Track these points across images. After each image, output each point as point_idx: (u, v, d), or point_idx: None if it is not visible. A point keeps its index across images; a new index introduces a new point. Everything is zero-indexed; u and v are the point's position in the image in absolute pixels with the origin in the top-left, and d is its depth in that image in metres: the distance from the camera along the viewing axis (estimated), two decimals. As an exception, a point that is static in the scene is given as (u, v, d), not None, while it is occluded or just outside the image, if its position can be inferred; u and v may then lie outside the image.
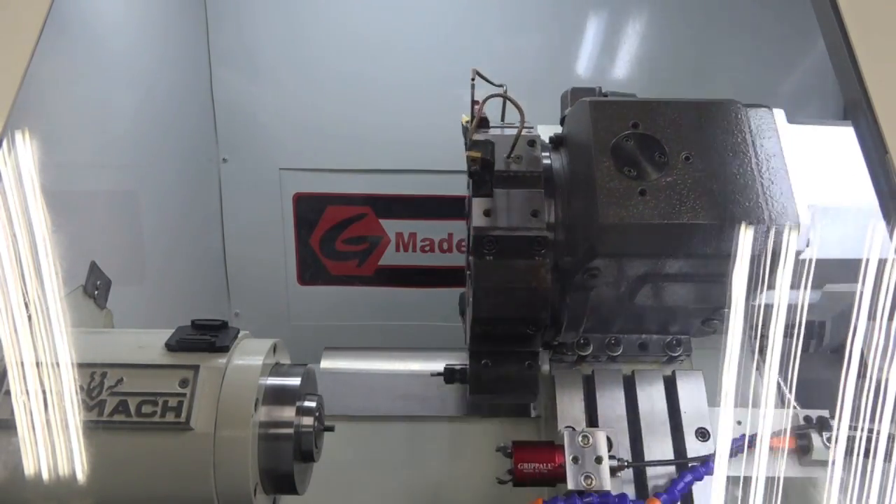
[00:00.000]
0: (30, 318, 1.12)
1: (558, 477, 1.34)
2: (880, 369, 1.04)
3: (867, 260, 1.02)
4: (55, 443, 1.11)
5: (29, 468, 1.09)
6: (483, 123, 1.38)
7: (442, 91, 2.60)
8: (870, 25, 1.00)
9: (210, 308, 2.72)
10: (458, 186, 2.71)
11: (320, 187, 2.75)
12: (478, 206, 1.29)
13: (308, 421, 1.27)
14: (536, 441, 1.44)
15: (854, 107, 0.99)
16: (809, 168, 1.28)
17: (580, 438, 1.35)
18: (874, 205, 0.97)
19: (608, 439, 1.37)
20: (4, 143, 1.04)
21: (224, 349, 1.22)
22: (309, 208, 2.77)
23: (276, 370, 1.28)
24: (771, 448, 1.38)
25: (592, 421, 1.50)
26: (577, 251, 1.24)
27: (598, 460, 1.33)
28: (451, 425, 1.88)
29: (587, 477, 1.32)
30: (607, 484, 1.32)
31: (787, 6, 2.40)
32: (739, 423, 1.44)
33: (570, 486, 1.32)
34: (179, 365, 1.19)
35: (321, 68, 2.58)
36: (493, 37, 2.57)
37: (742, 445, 1.41)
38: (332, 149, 2.68)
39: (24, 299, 1.11)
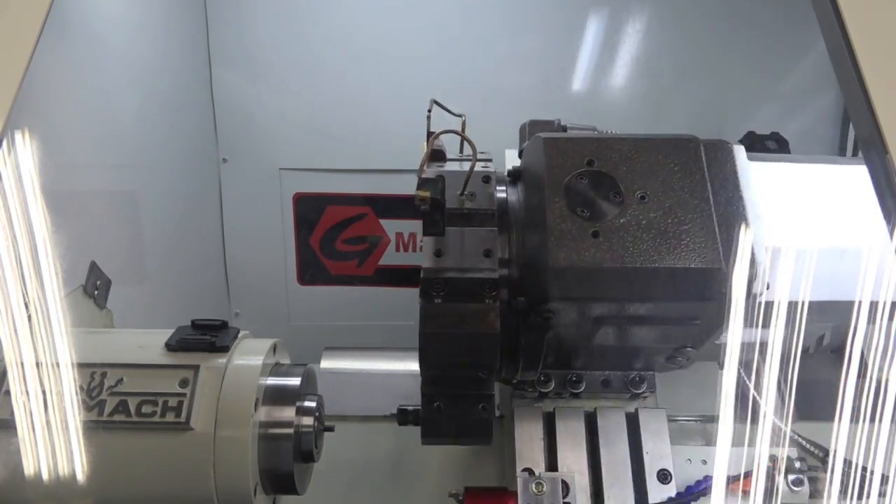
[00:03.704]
0: (30, 318, 1.12)
1: None
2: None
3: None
4: (55, 443, 1.11)
5: (29, 468, 1.09)
6: (439, 157, 1.35)
7: (442, 91, 2.60)
8: (870, 26, 1.00)
9: (210, 308, 2.71)
10: (458, 186, 2.73)
11: (320, 187, 2.75)
12: (429, 245, 1.25)
13: (308, 421, 1.27)
14: (491, 487, 1.41)
15: (855, 108, 0.99)
16: (770, 207, 1.24)
17: (533, 486, 1.31)
18: (837, 246, 0.93)
19: (565, 483, 1.33)
20: (4, 143, 1.04)
21: (224, 349, 1.22)
22: (309, 208, 2.77)
23: (276, 370, 1.28)
24: (736, 492, 1.32)
25: (552, 461, 1.45)
26: (530, 292, 1.21)
27: None
28: (451, 425, 1.88)
29: None
30: None
31: (787, 2, 2.40)
32: (705, 462, 1.43)
33: None
34: (179, 365, 1.19)
35: (321, 68, 2.58)
36: (493, 37, 2.56)
37: (707, 488, 1.38)
38: (332, 149, 2.67)
39: (24, 299, 1.11)
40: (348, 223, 2.80)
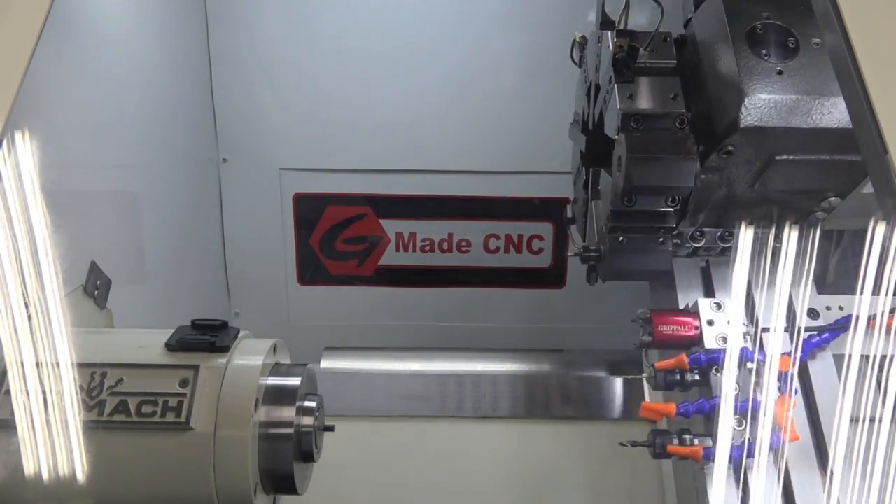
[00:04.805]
0: (30, 318, 1.12)
1: (693, 339, 1.45)
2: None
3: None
4: (55, 443, 1.11)
5: (29, 468, 1.09)
6: (611, 27, 1.49)
7: (442, 91, 2.61)
8: (870, 26, 1.00)
9: (210, 308, 2.71)
10: (458, 186, 2.73)
11: (320, 187, 2.75)
12: (621, 90, 1.40)
13: (308, 421, 1.27)
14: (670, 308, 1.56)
15: (854, 107, 0.99)
16: None
17: (713, 304, 1.47)
18: None
19: None
20: (4, 143, 1.03)
21: (224, 349, 1.22)
22: (309, 208, 2.77)
23: (277, 370, 1.28)
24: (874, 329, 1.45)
25: None
26: (715, 129, 1.34)
27: (731, 322, 1.43)
28: (451, 425, 1.88)
29: (722, 338, 1.43)
30: (741, 342, 1.41)
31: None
32: (841, 308, 1.54)
33: (708, 345, 1.42)
34: (179, 365, 1.19)
35: (321, 68, 2.58)
36: (493, 38, 2.56)
37: (845, 326, 1.50)
38: (332, 149, 2.67)
39: (24, 299, 1.11)
40: (348, 223, 2.80)
